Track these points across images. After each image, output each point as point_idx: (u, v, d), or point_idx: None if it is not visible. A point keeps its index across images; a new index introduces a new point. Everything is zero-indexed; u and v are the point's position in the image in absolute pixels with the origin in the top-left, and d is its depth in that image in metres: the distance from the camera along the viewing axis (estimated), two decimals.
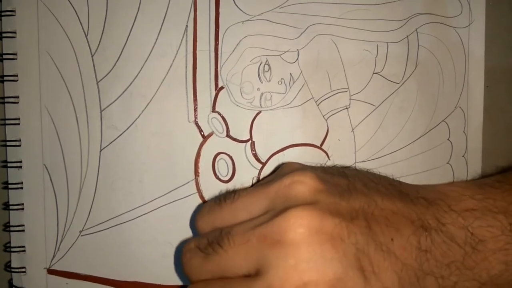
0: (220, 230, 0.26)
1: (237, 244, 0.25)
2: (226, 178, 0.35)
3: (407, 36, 0.37)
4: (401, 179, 0.37)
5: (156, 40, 0.34)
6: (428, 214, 0.27)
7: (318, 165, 0.33)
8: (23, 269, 0.35)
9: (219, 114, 0.35)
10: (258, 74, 0.35)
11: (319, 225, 0.24)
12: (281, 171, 0.28)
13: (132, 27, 0.34)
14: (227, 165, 0.35)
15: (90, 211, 0.35)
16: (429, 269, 0.25)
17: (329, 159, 0.36)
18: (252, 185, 0.35)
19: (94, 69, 0.34)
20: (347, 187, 0.26)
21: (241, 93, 0.35)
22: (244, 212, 0.26)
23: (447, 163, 0.38)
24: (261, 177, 0.35)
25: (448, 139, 0.38)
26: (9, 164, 0.34)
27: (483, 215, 0.27)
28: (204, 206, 0.28)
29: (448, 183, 0.34)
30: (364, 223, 0.25)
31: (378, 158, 0.37)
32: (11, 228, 0.34)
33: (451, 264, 0.25)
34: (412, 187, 0.29)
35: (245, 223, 0.26)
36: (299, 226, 0.23)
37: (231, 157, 0.35)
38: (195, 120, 0.35)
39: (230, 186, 0.35)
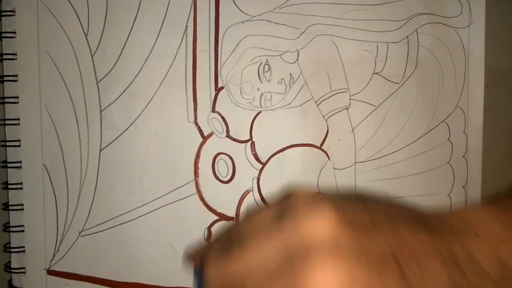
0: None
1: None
2: (226, 179, 0.35)
3: (407, 36, 0.37)
4: (402, 179, 0.37)
5: (156, 40, 0.34)
6: (456, 244, 0.24)
7: (330, 190, 0.30)
8: (23, 270, 0.34)
9: (219, 114, 0.35)
10: (258, 74, 0.35)
11: (350, 277, 0.21)
12: (294, 206, 0.26)
13: (132, 27, 0.34)
14: (227, 166, 0.35)
15: (90, 212, 0.35)
16: None
17: (329, 159, 0.36)
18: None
19: (94, 69, 0.34)
20: (371, 221, 0.24)
21: (241, 93, 0.35)
22: (256, 259, 0.24)
23: (447, 163, 0.38)
24: (261, 177, 0.35)
25: (448, 139, 0.38)
26: (9, 165, 0.34)
27: (510, 238, 0.25)
28: (211, 256, 0.25)
29: (471, 207, 0.32)
30: (395, 276, 0.23)
31: (378, 158, 0.36)
32: (11, 229, 0.34)
33: None
34: (435, 215, 0.27)
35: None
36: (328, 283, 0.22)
37: (231, 158, 0.35)
38: (195, 120, 0.35)
39: (229, 187, 0.35)
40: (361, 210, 0.24)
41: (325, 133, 0.36)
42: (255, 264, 0.23)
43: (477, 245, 0.24)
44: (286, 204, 0.24)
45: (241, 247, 0.23)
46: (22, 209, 0.34)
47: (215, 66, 0.35)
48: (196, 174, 0.35)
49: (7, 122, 0.34)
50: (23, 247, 0.34)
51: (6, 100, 0.34)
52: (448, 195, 0.38)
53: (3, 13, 0.33)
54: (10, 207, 0.34)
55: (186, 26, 0.34)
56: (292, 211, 0.23)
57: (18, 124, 0.34)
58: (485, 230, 0.26)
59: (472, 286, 0.23)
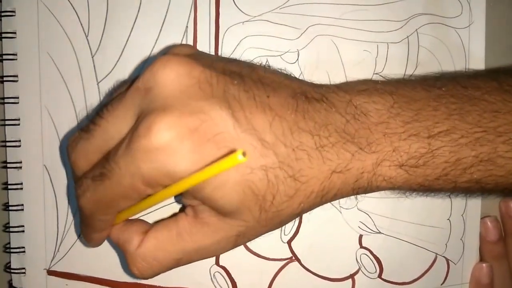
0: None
1: (114, 107, 0.25)
2: None
3: (408, 37, 0.37)
4: None
5: (156, 40, 0.34)
6: (313, 90, 0.28)
7: None
8: (23, 270, 0.34)
9: None
10: None
11: (186, 70, 0.24)
12: None
13: (132, 27, 0.34)
14: None
15: None
16: (306, 127, 0.25)
17: None
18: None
19: (95, 70, 0.34)
20: (229, 59, 0.27)
21: None
22: (118, 129, 0.25)
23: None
24: None
25: None
26: (9, 165, 0.34)
27: (370, 93, 0.29)
28: (72, 139, 0.27)
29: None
30: (238, 79, 0.25)
31: None
32: (11, 229, 0.34)
33: (329, 126, 0.26)
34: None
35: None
36: (166, 68, 0.24)
37: None
38: None
39: None
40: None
41: None
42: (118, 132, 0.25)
43: (335, 94, 0.28)
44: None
45: (101, 125, 0.26)
46: (22, 210, 0.34)
47: None
48: None
49: (7, 122, 0.34)
50: (23, 247, 0.34)
51: (6, 100, 0.34)
52: (449, 195, 0.38)
53: (3, 13, 0.33)
54: (10, 208, 0.34)
55: (186, 26, 0.34)
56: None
57: (18, 124, 0.34)
58: (349, 87, 0.29)
59: (321, 116, 0.26)
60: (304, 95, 0.27)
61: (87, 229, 0.28)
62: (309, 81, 0.30)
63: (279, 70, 0.28)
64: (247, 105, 0.24)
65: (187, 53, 0.26)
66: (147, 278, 0.27)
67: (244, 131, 0.24)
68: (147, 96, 0.24)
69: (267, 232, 0.27)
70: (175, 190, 0.23)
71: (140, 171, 0.23)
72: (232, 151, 0.22)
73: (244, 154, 0.20)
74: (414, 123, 0.28)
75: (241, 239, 0.27)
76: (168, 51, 0.26)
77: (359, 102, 0.28)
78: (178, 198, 0.34)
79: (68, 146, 0.27)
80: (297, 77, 0.31)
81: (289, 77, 0.28)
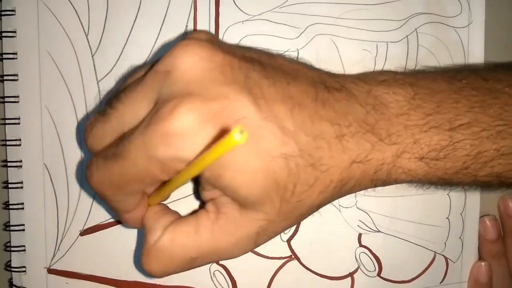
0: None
1: (132, 91, 0.25)
2: None
3: (407, 36, 0.37)
4: None
5: (156, 40, 0.34)
6: (332, 79, 0.27)
7: None
8: (23, 269, 0.35)
9: None
10: None
11: (208, 55, 0.24)
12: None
13: (132, 27, 0.34)
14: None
15: (90, 211, 0.35)
16: (326, 116, 0.25)
17: None
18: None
19: (95, 69, 0.34)
20: (248, 47, 0.27)
21: None
22: (135, 113, 0.25)
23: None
24: None
25: None
26: (9, 164, 0.34)
27: (390, 84, 0.28)
28: (89, 122, 0.27)
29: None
30: (259, 65, 0.25)
31: None
32: (11, 228, 0.34)
33: (349, 116, 0.26)
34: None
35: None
36: (188, 52, 0.23)
37: None
38: None
39: None
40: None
41: None
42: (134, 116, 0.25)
43: (355, 84, 0.27)
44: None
45: (118, 109, 0.25)
46: (23, 208, 0.34)
47: None
48: None
49: (7, 121, 0.34)
50: (24, 246, 0.34)
51: (6, 99, 0.34)
52: (448, 194, 0.38)
53: (3, 13, 0.33)
54: (11, 206, 0.34)
55: (186, 26, 0.35)
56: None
57: (19, 123, 0.34)
58: (369, 77, 0.29)
59: (341, 106, 0.26)
60: (323, 84, 0.26)
61: (114, 211, 0.27)
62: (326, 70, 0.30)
63: (297, 59, 0.28)
64: (268, 92, 0.24)
65: (207, 39, 0.26)
66: (156, 277, 0.26)
67: (265, 118, 0.23)
68: (167, 80, 0.23)
69: (286, 227, 0.27)
70: (188, 173, 0.23)
71: (156, 154, 0.22)
72: (227, 130, 0.21)
73: (242, 131, 0.19)
74: (436, 115, 0.27)
75: (261, 237, 0.26)
76: (188, 37, 0.26)
77: (378, 93, 0.28)
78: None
79: (84, 130, 0.27)
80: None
81: (307, 66, 0.28)
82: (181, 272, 0.26)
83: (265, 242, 0.27)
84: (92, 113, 0.34)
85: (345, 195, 0.27)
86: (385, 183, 0.28)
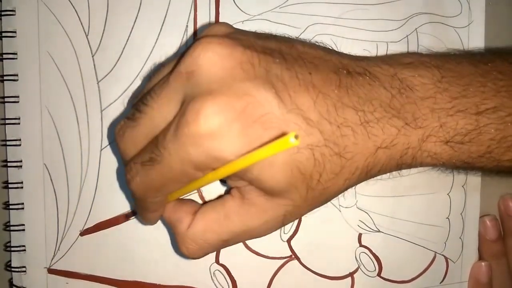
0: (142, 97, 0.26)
1: (158, 94, 0.25)
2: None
3: (407, 36, 0.37)
4: (402, 179, 0.37)
5: (157, 40, 0.34)
6: (355, 64, 0.27)
7: None
8: (23, 269, 0.35)
9: None
10: None
11: (228, 52, 0.24)
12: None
13: (132, 27, 0.34)
14: None
15: (90, 211, 0.35)
16: (350, 102, 0.25)
17: None
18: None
19: (95, 69, 0.34)
20: (266, 36, 0.27)
21: None
22: (163, 116, 0.25)
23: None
24: None
25: None
26: (9, 164, 0.34)
27: (416, 67, 0.28)
28: (119, 127, 0.27)
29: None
30: (279, 57, 0.25)
31: None
32: (11, 228, 0.34)
33: (374, 102, 0.26)
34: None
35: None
36: (207, 51, 0.23)
37: None
38: None
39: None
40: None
41: None
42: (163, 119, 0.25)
43: (379, 68, 0.27)
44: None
45: (146, 114, 0.26)
46: (23, 208, 0.34)
47: None
48: None
49: (7, 121, 0.34)
50: (24, 246, 0.34)
51: (6, 99, 0.34)
52: (448, 194, 0.38)
53: (3, 13, 0.33)
54: (11, 206, 0.34)
55: (187, 26, 0.35)
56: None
57: (19, 123, 0.34)
58: (393, 60, 0.28)
59: (365, 91, 0.26)
60: (345, 69, 0.26)
61: (141, 210, 0.28)
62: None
63: (316, 44, 0.28)
64: (290, 84, 0.24)
65: (225, 33, 0.26)
66: (196, 258, 0.27)
67: (289, 111, 0.23)
68: (190, 80, 0.24)
69: (312, 209, 0.27)
70: (224, 172, 0.23)
71: (189, 156, 0.23)
72: (283, 134, 0.22)
73: (296, 137, 0.19)
74: (462, 99, 0.27)
75: (288, 218, 0.27)
76: (206, 32, 0.26)
77: (404, 76, 0.27)
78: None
79: (116, 135, 0.27)
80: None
81: (327, 51, 0.28)
82: (218, 250, 0.28)
83: (293, 221, 0.28)
84: (92, 113, 0.34)
85: (371, 178, 0.27)
86: (410, 166, 0.28)
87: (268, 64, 0.24)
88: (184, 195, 0.29)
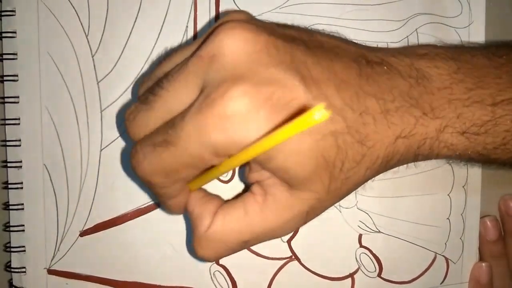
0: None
1: (175, 77, 0.24)
2: (226, 178, 0.35)
3: (407, 36, 0.37)
4: (402, 179, 0.37)
5: (157, 40, 0.34)
6: (373, 54, 0.27)
7: None
8: (23, 269, 0.35)
9: None
10: None
11: (253, 36, 0.23)
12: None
13: (132, 27, 0.34)
14: None
15: (90, 211, 0.35)
16: (371, 91, 0.25)
17: None
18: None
19: (95, 69, 0.34)
20: (286, 24, 0.27)
21: None
22: (180, 100, 0.24)
23: (448, 163, 0.38)
24: None
25: None
26: (9, 164, 0.34)
27: (432, 58, 0.28)
28: (129, 111, 0.26)
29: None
30: (302, 44, 0.25)
31: None
32: (11, 228, 0.34)
33: (393, 90, 0.26)
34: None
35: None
36: (233, 36, 0.23)
37: None
38: None
39: (229, 187, 0.35)
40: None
41: None
42: (178, 107, 0.24)
43: (396, 58, 0.27)
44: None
45: (161, 98, 0.25)
46: (23, 209, 0.34)
47: None
48: None
49: (7, 122, 0.34)
50: (24, 246, 0.34)
51: (6, 100, 0.34)
52: (448, 194, 0.38)
53: (3, 13, 0.33)
54: (11, 207, 0.34)
55: (187, 26, 0.35)
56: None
57: (18, 124, 0.34)
58: (410, 51, 0.29)
59: (385, 80, 0.26)
60: (364, 58, 0.26)
61: (158, 197, 0.27)
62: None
63: (333, 34, 0.28)
64: (314, 70, 0.24)
65: (247, 18, 0.25)
66: (210, 261, 0.27)
67: (315, 97, 0.23)
68: (213, 65, 0.23)
69: (334, 204, 0.27)
70: (249, 154, 0.22)
71: (210, 139, 0.22)
72: (304, 109, 0.21)
73: (324, 108, 0.18)
74: (478, 90, 0.27)
75: (310, 214, 0.26)
76: (227, 18, 0.25)
77: (420, 66, 0.27)
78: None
79: (126, 120, 0.26)
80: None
81: (345, 41, 0.28)
82: (235, 253, 0.27)
83: (314, 218, 0.27)
84: (91, 113, 0.34)
85: (390, 169, 0.27)
86: (427, 157, 0.28)
87: (292, 50, 0.24)
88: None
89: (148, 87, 0.26)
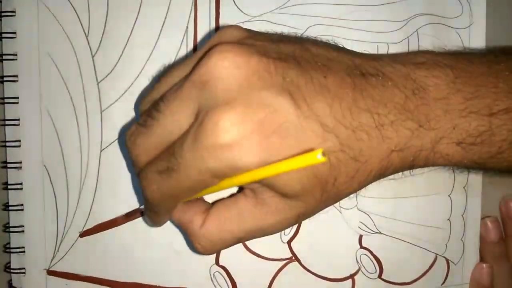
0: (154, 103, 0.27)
1: (171, 101, 0.25)
2: None
3: (408, 37, 0.37)
4: (402, 180, 0.37)
5: (157, 40, 0.34)
6: (367, 64, 0.27)
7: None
8: (23, 270, 0.34)
9: None
10: None
11: (244, 61, 0.24)
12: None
13: (133, 27, 0.34)
14: None
15: (89, 212, 0.35)
16: (365, 106, 0.25)
17: None
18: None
19: (95, 70, 0.34)
20: (279, 38, 0.27)
21: None
22: (177, 123, 0.25)
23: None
24: None
25: None
26: (8, 165, 0.34)
27: (429, 67, 0.28)
28: (130, 133, 0.27)
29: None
30: (294, 62, 0.25)
31: None
32: (11, 229, 0.34)
33: (388, 104, 0.26)
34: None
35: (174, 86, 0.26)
36: (224, 61, 0.23)
37: None
38: None
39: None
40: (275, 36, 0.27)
41: None
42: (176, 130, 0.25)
43: (392, 68, 0.27)
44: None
45: (159, 122, 0.26)
46: (22, 210, 0.34)
47: None
48: None
49: (7, 122, 0.34)
50: (23, 247, 0.34)
51: (6, 100, 0.34)
52: (449, 195, 0.38)
53: (3, 13, 0.33)
54: (10, 208, 0.34)
55: (187, 26, 0.35)
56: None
57: (18, 124, 0.34)
58: (406, 59, 0.28)
59: (379, 93, 0.26)
60: (358, 70, 0.26)
61: (152, 214, 0.28)
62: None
63: (328, 42, 0.28)
64: (306, 90, 0.24)
65: (239, 38, 0.26)
66: (210, 254, 0.28)
67: (306, 118, 0.23)
68: (204, 89, 0.24)
69: (325, 208, 0.27)
70: (244, 180, 0.24)
71: (208, 166, 0.23)
72: (309, 150, 0.22)
73: (323, 153, 0.20)
74: (475, 100, 0.27)
75: (301, 218, 0.27)
76: (219, 37, 0.26)
77: (417, 76, 0.27)
78: None
79: (127, 141, 0.27)
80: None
81: (339, 50, 0.28)
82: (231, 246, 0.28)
83: (305, 219, 0.28)
84: (91, 113, 0.34)
85: (383, 178, 0.28)
86: (422, 167, 0.28)
87: (284, 71, 0.24)
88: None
89: (148, 104, 0.27)
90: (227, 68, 0.23)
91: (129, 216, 0.35)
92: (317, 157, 0.20)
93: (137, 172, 0.27)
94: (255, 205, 0.26)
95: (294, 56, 0.25)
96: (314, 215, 0.27)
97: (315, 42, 0.27)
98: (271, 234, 0.28)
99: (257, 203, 0.26)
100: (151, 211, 0.28)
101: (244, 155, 0.23)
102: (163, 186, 0.25)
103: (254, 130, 0.23)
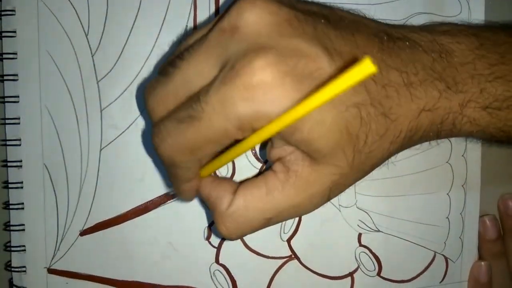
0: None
1: (196, 50, 0.24)
2: (228, 175, 0.35)
3: None
4: (401, 179, 0.37)
5: (156, 40, 0.34)
6: (393, 30, 0.27)
7: None
8: (23, 269, 0.35)
9: None
10: None
11: (275, 8, 0.23)
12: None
13: (132, 26, 0.34)
14: (227, 165, 0.35)
15: (90, 211, 0.35)
16: (393, 64, 0.25)
17: None
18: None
19: (95, 69, 0.34)
20: (305, 0, 0.26)
21: None
22: (201, 73, 0.24)
23: (447, 162, 0.38)
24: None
25: (447, 139, 0.38)
26: (9, 164, 0.34)
27: (454, 34, 0.28)
28: (149, 84, 0.26)
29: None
30: (323, 18, 0.25)
31: None
32: (11, 228, 0.34)
33: (416, 64, 0.26)
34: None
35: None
36: (255, 7, 0.23)
37: None
38: None
39: None
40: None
41: None
42: (198, 81, 0.24)
43: (418, 34, 0.27)
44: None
45: (181, 70, 0.24)
46: (23, 208, 0.34)
47: None
48: None
49: (7, 121, 0.34)
50: (24, 246, 0.34)
51: (6, 99, 0.34)
52: (448, 194, 0.38)
53: (3, 13, 0.33)
54: (11, 206, 0.34)
55: (186, 26, 0.35)
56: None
57: (18, 123, 0.34)
58: (432, 28, 0.29)
59: (407, 54, 0.26)
60: (385, 33, 0.26)
61: (174, 180, 0.26)
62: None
63: (354, 11, 0.28)
64: (337, 42, 0.24)
65: None
66: (234, 239, 0.26)
67: (339, 68, 0.23)
68: (235, 36, 0.23)
69: (357, 180, 0.26)
70: (274, 127, 0.22)
71: (237, 110, 0.22)
72: (354, 61, 0.21)
73: (371, 61, 0.18)
74: (500, 66, 0.28)
75: (333, 191, 0.26)
76: None
77: (443, 42, 0.28)
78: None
79: (145, 92, 0.26)
80: None
81: (366, 17, 0.28)
82: (257, 231, 0.26)
83: (337, 195, 0.27)
84: (91, 112, 0.34)
85: (413, 146, 0.27)
86: (449, 133, 0.28)
87: (315, 22, 0.24)
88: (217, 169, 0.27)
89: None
90: (258, 14, 0.23)
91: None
92: (367, 67, 0.18)
93: (153, 121, 0.26)
94: (286, 180, 0.25)
95: (323, 14, 0.25)
96: (346, 187, 0.26)
97: (341, 8, 0.27)
98: (301, 214, 0.26)
99: (287, 177, 0.25)
100: (171, 175, 0.26)
101: (277, 98, 0.21)
102: (181, 137, 0.23)
103: (288, 73, 0.22)
